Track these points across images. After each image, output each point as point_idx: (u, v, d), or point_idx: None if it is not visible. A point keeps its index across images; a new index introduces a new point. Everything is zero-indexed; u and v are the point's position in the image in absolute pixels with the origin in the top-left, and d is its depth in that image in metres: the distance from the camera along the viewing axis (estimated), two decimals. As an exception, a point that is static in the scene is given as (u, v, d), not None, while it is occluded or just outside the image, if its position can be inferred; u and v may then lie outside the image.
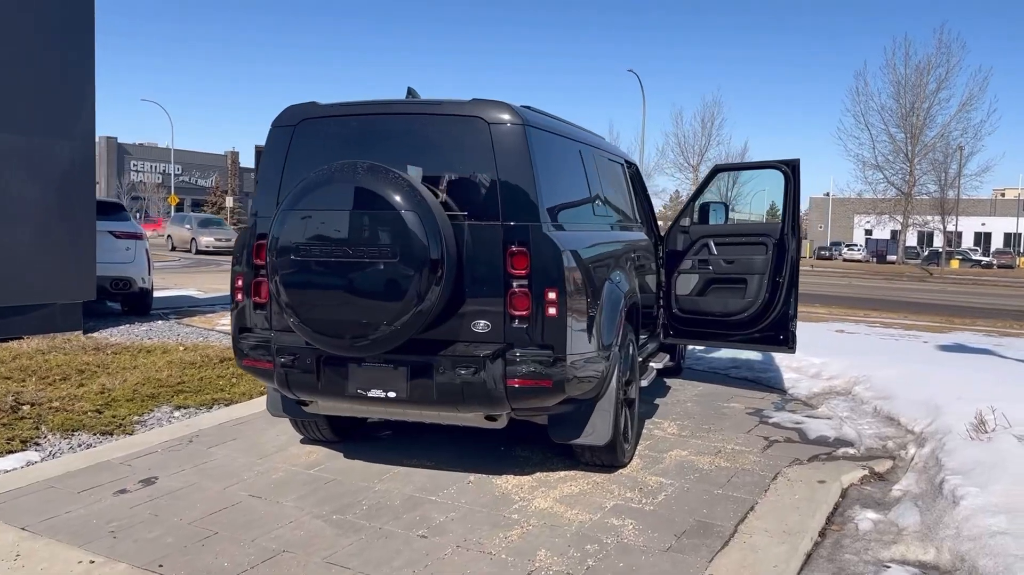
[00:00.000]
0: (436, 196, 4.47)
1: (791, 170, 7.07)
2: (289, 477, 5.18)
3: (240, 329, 5.00)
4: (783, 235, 7.15)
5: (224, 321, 12.41)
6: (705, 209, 7.65)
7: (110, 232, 12.03)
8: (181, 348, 9.23)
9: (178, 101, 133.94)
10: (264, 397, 6.77)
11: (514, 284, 4.45)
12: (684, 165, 61.29)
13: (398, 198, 4.20)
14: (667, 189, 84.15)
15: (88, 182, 10.74)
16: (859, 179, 79.89)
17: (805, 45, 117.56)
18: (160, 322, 12.02)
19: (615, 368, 5.08)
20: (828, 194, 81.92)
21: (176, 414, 6.70)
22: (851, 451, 5.95)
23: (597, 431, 5.03)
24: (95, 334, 10.43)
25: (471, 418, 4.72)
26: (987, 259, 66.36)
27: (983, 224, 79.07)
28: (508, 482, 5.12)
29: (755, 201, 58.64)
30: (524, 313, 4.45)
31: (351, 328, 4.33)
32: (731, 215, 8.55)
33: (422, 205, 4.23)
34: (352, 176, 4.29)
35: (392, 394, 4.60)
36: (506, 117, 4.54)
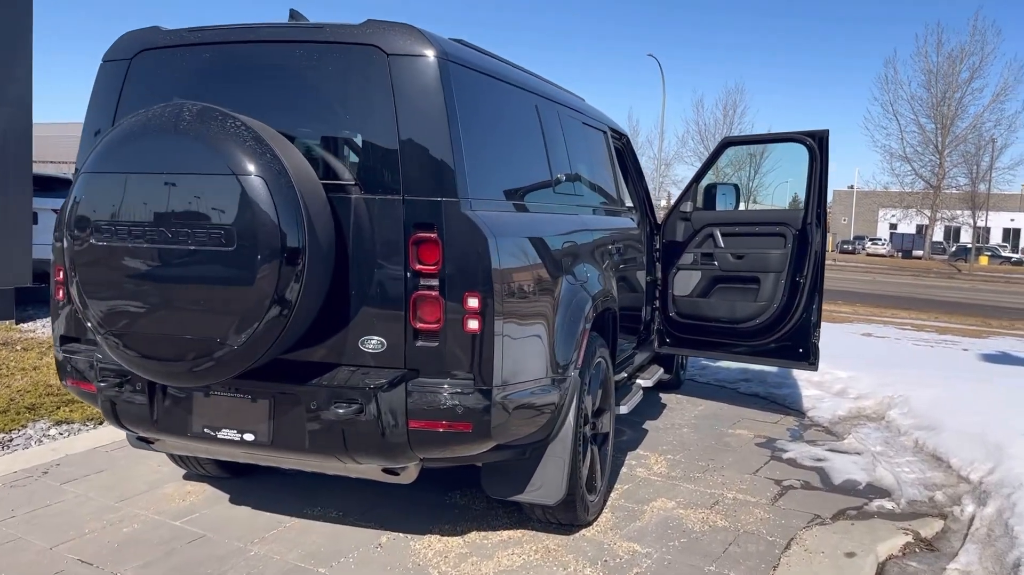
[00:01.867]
0: (310, 158, 3.16)
1: (818, 144, 5.69)
2: (145, 532, 3.92)
3: (61, 337, 3.71)
4: (806, 225, 5.78)
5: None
6: (711, 192, 6.28)
7: (53, 210, 10.83)
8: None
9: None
10: None
11: (420, 285, 3.13)
12: (704, 154, 59.54)
13: (238, 157, 2.90)
14: (687, 178, 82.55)
15: (24, 153, 9.51)
16: (886, 171, 77.56)
17: (831, 31, 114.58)
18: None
19: (573, 398, 3.76)
20: (852, 187, 79.68)
21: (52, 432, 5.45)
22: (888, 505, 4.60)
23: (546, 484, 3.72)
24: (28, 324, 9.24)
25: (363, 470, 3.42)
26: (1017, 255, 64.21)
27: (1012, 220, 76.72)
28: (430, 546, 3.83)
29: (777, 194, 56.49)
30: (434, 326, 3.13)
31: (176, 346, 3.03)
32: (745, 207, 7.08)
33: (273, 167, 2.92)
34: (174, 124, 2.98)
35: (249, 436, 3.31)
36: (415, 47, 3.21)
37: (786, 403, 7.05)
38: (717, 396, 7.25)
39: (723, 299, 6.09)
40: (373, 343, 3.18)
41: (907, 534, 4.22)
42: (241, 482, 4.56)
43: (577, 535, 4.02)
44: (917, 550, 4.12)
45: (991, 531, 4.10)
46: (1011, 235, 76.76)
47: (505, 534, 4.02)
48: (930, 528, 4.33)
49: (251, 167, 2.88)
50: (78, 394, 3.74)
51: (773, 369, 7.91)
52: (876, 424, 6.33)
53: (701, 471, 5.08)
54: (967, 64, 52.00)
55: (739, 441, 5.81)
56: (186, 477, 4.65)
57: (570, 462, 3.74)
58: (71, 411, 5.79)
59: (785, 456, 5.47)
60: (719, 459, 5.34)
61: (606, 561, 3.75)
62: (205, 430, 3.36)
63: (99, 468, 4.76)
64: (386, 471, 3.37)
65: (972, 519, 4.36)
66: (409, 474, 3.40)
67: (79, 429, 5.55)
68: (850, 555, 3.91)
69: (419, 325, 3.14)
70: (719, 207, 6.24)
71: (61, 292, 3.66)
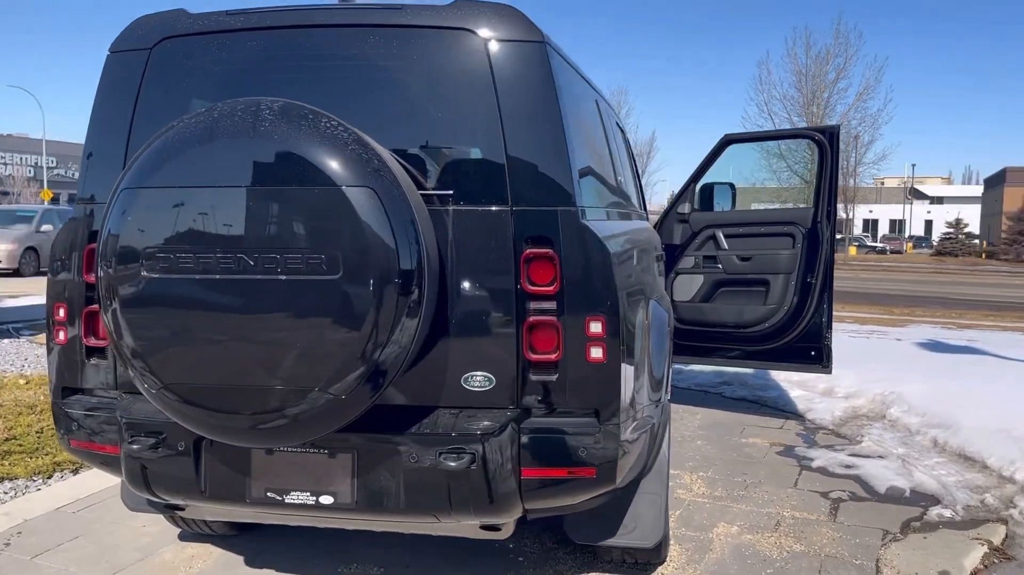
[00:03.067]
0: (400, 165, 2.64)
1: (828, 140, 5.52)
2: (158, 613, 3.27)
3: (63, 389, 3.03)
4: (816, 223, 5.60)
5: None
6: (708, 192, 6.02)
7: None
8: (21, 382, 7.02)
9: (52, 90, 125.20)
10: None
11: (533, 309, 2.66)
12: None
13: (341, 164, 2.36)
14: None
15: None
16: (763, 167, 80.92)
17: (707, 38, 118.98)
18: (6, 341, 9.66)
19: (666, 424, 3.37)
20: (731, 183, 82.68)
21: (-4, 491, 4.62)
22: (946, 513, 4.42)
23: (641, 525, 3.30)
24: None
25: (458, 529, 2.92)
26: (880, 245, 68.18)
27: (871, 211, 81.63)
28: (502, 603, 3.36)
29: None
30: (551, 357, 2.67)
31: (259, 399, 2.44)
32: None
33: (384, 176, 2.40)
34: (252, 125, 2.40)
35: (327, 499, 2.74)
36: (518, 31, 2.72)
37: (779, 406, 6.87)
38: (707, 403, 7.00)
39: (729, 303, 5.83)
40: (478, 380, 2.69)
41: (981, 544, 4.04)
42: (251, 539, 3.93)
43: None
44: (995, 560, 3.94)
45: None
46: (870, 225, 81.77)
47: (576, 581, 3.59)
48: (997, 535, 4.17)
49: (358, 176, 2.34)
50: (86, 458, 3.06)
51: (750, 371, 7.76)
52: (881, 424, 6.22)
53: (742, 488, 4.78)
54: (833, 65, 54.56)
55: (758, 451, 5.56)
56: (183, 537, 3.98)
57: (665, 497, 3.34)
58: (12, 465, 4.95)
59: (814, 465, 5.24)
60: (751, 473, 5.06)
61: (702, 603, 3.38)
62: (269, 494, 2.76)
63: (72, 534, 4.02)
64: (485, 528, 2.88)
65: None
66: (508, 529, 2.92)
67: (26, 486, 4.73)
68: (944, 574, 3.68)
69: (533, 356, 2.67)
70: (717, 208, 5.98)
71: (63, 334, 2.97)
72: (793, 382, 7.38)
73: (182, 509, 3.06)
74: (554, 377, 2.68)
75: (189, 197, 2.41)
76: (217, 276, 2.38)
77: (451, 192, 2.68)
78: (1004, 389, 6.72)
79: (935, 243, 65.50)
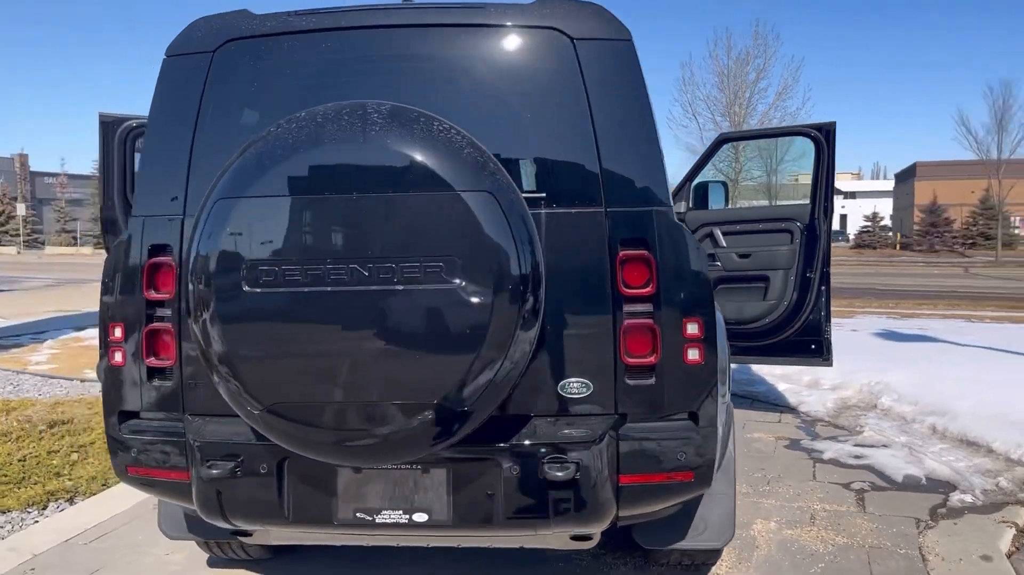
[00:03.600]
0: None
1: (824, 137, 5.60)
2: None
3: (121, 414, 2.82)
4: (814, 219, 5.67)
5: (39, 357, 9.62)
6: (703, 191, 6.04)
7: None
8: (-15, 407, 6.60)
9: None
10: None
11: (629, 312, 2.60)
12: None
13: (458, 168, 2.26)
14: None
15: None
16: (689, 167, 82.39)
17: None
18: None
19: (731, 423, 3.35)
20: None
21: (-13, 527, 4.31)
22: (967, 498, 4.52)
23: (712, 525, 3.26)
24: None
25: (550, 540, 2.83)
26: (800, 240, 70.16)
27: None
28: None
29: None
30: (648, 361, 2.61)
31: (372, 415, 2.32)
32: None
33: (501, 179, 2.31)
34: (361, 129, 2.28)
35: (420, 516, 2.63)
36: (606, 30, 2.66)
37: (771, 401, 6.96)
38: (698, 399, 7.04)
39: (728, 300, 5.86)
40: (575, 386, 2.61)
41: (1009, 527, 4.15)
42: (289, 562, 3.76)
43: (713, 575, 3.61)
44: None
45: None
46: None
47: (634, 585, 3.54)
48: (1020, 518, 4.29)
49: (477, 181, 2.24)
50: (145, 486, 2.86)
51: (734, 366, 7.84)
52: (875, 414, 6.36)
53: (764, 483, 4.81)
54: (753, 66, 56.06)
55: (766, 445, 5.61)
56: (212, 563, 3.78)
57: (733, 497, 3.32)
58: (2, 496, 4.64)
59: (825, 457, 5.31)
60: (769, 468, 5.09)
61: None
62: (358, 515, 2.63)
63: (90, 568, 3.78)
64: (575, 538, 2.80)
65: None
66: (596, 537, 2.85)
67: (22, 519, 4.44)
68: (986, 559, 3.76)
69: (630, 360, 2.60)
70: (711, 206, 6.01)
71: (120, 355, 2.76)
72: (777, 376, 7.49)
73: (249, 534, 2.89)
74: (651, 381, 2.62)
75: (294, 206, 2.28)
76: (328, 288, 2.25)
77: (543, 195, 2.60)
78: (975, 374, 6.95)
79: (852, 236, 67.84)
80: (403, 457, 2.46)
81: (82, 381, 8.11)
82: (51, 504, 4.63)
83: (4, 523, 4.36)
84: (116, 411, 2.81)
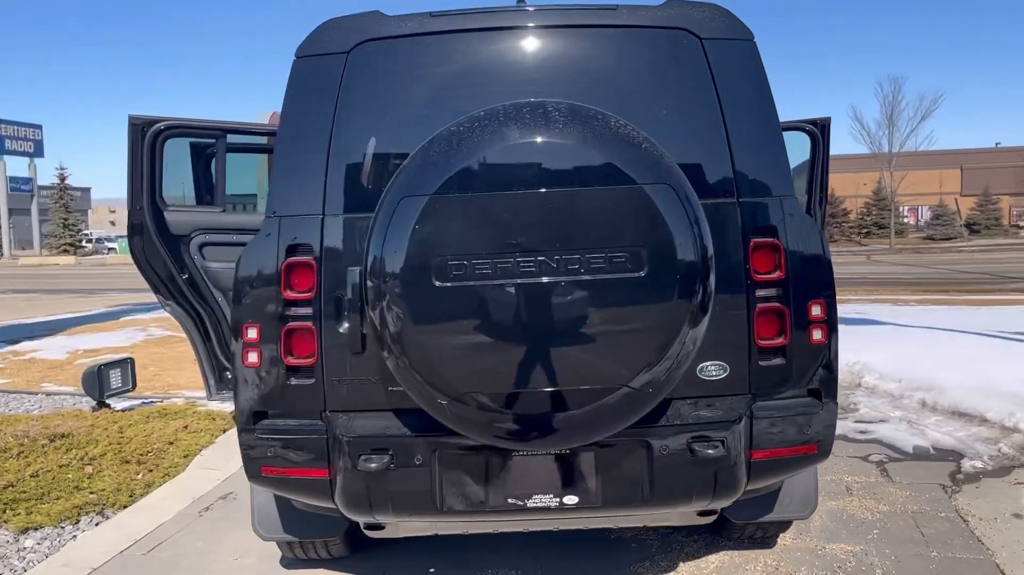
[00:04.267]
0: None
1: (820, 131, 5.88)
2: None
3: (254, 414, 2.80)
4: (810, 209, 5.95)
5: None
6: None
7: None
8: (-35, 423, 6.25)
9: None
10: (155, 491, 4.53)
11: (761, 296, 2.75)
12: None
13: (640, 162, 2.36)
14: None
15: None
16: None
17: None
18: None
19: None
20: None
21: (28, 543, 4.13)
22: (979, 464, 4.87)
23: (797, 497, 3.43)
24: None
25: (680, 517, 2.96)
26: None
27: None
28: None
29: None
30: (778, 342, 2.77)
31: (561, 401, 2.40)
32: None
33: (675, 173, 2.41)
34: (544, 126, 2.35)
35: (571, 499, 2.71)
36: (733, 30, 2.81)
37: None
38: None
39: None
40: (713, 369, 2.74)
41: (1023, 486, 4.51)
42: (367, 558, 3.75)
43: (781, 547, 3.80)
44: (1040, 500, 4.41)
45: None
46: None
47: (713, 560, 3.69)
48: (1028, 479, 4.66)
49: (657, 174, 2.34)
50: (278, 485, 2.83)
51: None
52: (863, 392, 6.73)
53: (789, 460, 5.05)
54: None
55: (774, 426, 5.88)
56: (286, 565, 3.75)
57: (815, 468, 3.51)
58: (30, 514, 4.44)
59: (836, 434, 5.60)
60: (786, 446, 5.35)
61: (844, 567, 3.58)
62: (510, 501, 2.69)
63: (162, 577, 3.69)
64: (702, 514, 2.93)
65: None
66: (716, 513, 2.99)
67: (59, 534, 4.27)
68: (1019, 517, 4.08)
69: (763, 343, 2.75)
70: None
71: (255, 355, 2.74)
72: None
73: (382, 527, 2.91)
74: (781, 361, 2.77)
75: (481, 202, 2.33)
76: (518, 280, 2.31)
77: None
78: (945, 350, 7.44)
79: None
80: (585, 441, 2.54)
81: (47, 394, 7.78)
82: (83, 518, 4.46)
83: (42, 539, 4.19)
84: (251, 411, 2.78)
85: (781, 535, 3.89)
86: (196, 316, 4.80)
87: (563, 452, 2.69)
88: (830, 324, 2.80)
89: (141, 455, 5.38)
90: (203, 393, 7.63)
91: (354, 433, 2.65)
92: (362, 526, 2.94)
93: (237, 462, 5.23)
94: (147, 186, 4.53)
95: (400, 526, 2.90)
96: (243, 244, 4.77)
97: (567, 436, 2.48)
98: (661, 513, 2.86)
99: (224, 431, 6.00)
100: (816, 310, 2.78)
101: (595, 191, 2.33)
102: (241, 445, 2.81)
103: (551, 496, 2.69)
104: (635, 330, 2.37)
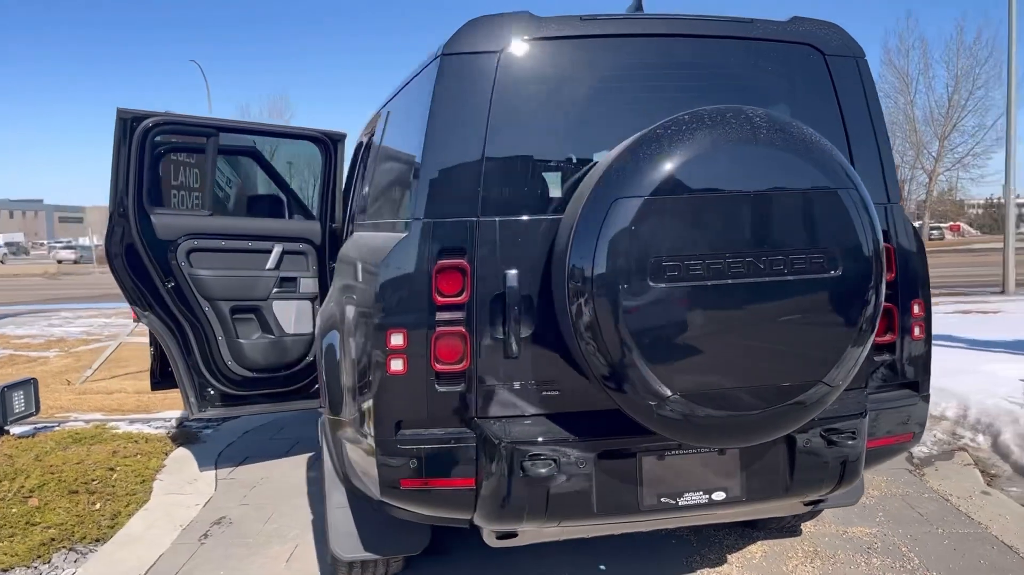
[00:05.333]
0: None
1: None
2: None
3: (396, 424, 2.63)
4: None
5: None
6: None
7: None
8: None
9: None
10: (130, 522, 4.17)
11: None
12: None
13: (833, 168, 2.48)
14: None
15: None
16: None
17: (366, 34, 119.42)
18: None
19: None
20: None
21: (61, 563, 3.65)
22: (925, 450, 5.35)
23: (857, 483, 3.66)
24: None
25: (788, 507, 3.09)
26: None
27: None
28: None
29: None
30: (888, 338, 2.99)
31: (762, 397, 2.47)
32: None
33: (855, 177, 2.54)
34: (751, 133, 2.41)
35: (719, 495, 2.76)
36: (848, 47, 3.02)
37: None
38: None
39: None
40: None
41: (971, 467, 5.03)
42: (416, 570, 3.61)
43: (808, 533, 4.03)
44: (988, 477, 4.94)
45: (1010, 448, 5.09)
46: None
47: (755, 550, 3.86)
48: (970, 459, 5.21)
49: (846, 178, 2.48)
50: (417, 499, 2.68)
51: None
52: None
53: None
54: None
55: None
56: (336, 589, 3.52)
57: (863, 459, 3.76)
58: (64, 539, 3.89)
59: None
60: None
61: (873, 547, 3.85)
62: (662, 500, 2.69)
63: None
64: (809, 503, 3.07)
65: (987, 445, 5.34)
66: (823, 501, 3.14)
67: (85, 551, 3.79)
68: (987, 494, 4.56)
69: (877, 339, 2.94)
70: None
71: (400, 363, 2.59)
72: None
73: (515, 535, 2.82)
74: (889, 357, 2.99)
75: (693, 204, 2.37)
76: (729, 280, 2.36)
77: None
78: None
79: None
80: (777, 435, 2.60)
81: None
82: (54, 555, 3.96)
83: (71, 560, 3.75)
84: (393, 421, 2.62)
85: (803, 524, 4.12)
86: (177, 328, 4.42)
87: (710, 450, 2.74)
88: (927, 322, 3.03)
89: (86, 483, 4.83)
90: (101, 415, 6.99)
91: (514, 439, 2.56)
92: (492, 536, 2.83)
93: (204, 485, 4.86)
94: (133, 187, 4.14)
95: (529, 534, 2.82)
96: (234, 251, 4.49)
97: (766, 431, 2.55)
98: (788, 504, 2.97)
99: (167, 454, 5.52)
100: (917, 309, 3.01)
101: (795, 194, 2.43)
102: (378, 458, 2.63)
103: (700, 493, 2.73)
104: (830, 327, 2.48)
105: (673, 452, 2.70)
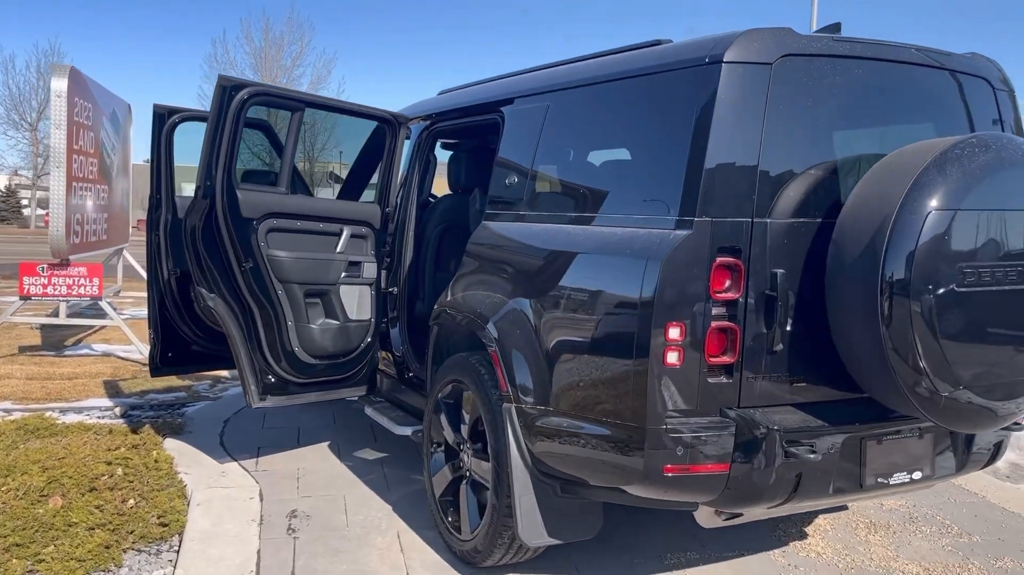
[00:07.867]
0: None
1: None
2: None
3: (666, 414, 2.75)
4: None
5: None
6: None
7: None
8: None
9: None
10: (190, 517, 3.94)
11: None
12: (20, 123, 52.02)
13: None
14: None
15: None
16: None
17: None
18: None
19: None
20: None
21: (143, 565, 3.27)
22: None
23: None
24: None
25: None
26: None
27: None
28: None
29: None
30: None
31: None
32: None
33: None
34: (1022, 156, 2.77)
35: (917, 474, 3.12)
36: (1006, 80, 3.45)
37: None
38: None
39: None
40: None
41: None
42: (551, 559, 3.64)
43: (853, 507, 4.47)
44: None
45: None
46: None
47: (824, 524, 4.23)
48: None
49: None
50: (671, 485, 2.80)
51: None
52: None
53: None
54: (289, 52, 56.15)
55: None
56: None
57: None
58: (40, 561, 3.45)
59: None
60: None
61: (913, 517, 4.36)
62: (878, 479, 3.01)
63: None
64: None
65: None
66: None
67: (157, 551, 3.44)
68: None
69: None
70: None
71: (676, 355, 2.73)
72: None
73: (740, 515, 3.01)
74: None
75: (997, 218, 2.68)
76: (1020, 287, 2.72)
77: None
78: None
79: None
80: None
81: None
82: (123, 556, 3.58)
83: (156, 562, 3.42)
84: (665, 411, 2.73)
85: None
86: (242, 312, 4.10)
87: (914, 435, 3.06)
88: None
89: (92, 480, 4.35)
90: (10, 404, 6.13)
91: (779, 426, 2.74)
92: (716, 518, 2.99)
93: (239, 478, 4.51)
94: (224, 160, 3.82)
95: (755, 513, 3.04)
96: (308, 232, 4.20)
97: (1013, 417, 2.91)
98: (950, 479, 3.39)
99: (156, 445, 5.06)
100: None
101: None
102: (647, 445, 2.71)
103: (904, 473, 3.06)
104: None
105: (891, 438, 3.01)
